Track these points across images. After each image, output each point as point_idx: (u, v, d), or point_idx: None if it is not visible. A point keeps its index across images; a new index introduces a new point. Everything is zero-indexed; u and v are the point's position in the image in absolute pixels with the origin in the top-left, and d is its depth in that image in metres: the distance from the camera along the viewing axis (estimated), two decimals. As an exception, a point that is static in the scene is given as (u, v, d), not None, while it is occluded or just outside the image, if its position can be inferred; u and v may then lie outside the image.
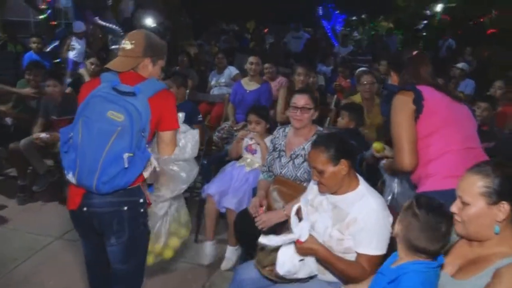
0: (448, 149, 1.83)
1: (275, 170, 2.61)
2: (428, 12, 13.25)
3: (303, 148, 2.52)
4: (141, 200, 1.81)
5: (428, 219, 1.32)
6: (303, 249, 1.68)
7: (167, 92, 1.86)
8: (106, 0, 8.24)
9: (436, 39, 10.97)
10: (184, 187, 1.94)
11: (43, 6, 7.54)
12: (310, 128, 2.59)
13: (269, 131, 3.09)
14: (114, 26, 8.14)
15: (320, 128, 2.61)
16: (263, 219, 2.39)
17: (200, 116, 3.74)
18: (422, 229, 1.32)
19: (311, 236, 1.67)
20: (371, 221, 1.69)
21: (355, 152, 2.03)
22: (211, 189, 2.96)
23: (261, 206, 2.52)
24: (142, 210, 1.83)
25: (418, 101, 1.85)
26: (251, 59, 4.40)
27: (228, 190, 2.94)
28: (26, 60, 5.82)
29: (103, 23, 7.80)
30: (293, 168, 2.52)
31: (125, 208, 1.76)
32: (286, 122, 3.94)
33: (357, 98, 4.18)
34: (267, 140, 2.91)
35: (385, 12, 13.51)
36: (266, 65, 4.84)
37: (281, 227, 2.30)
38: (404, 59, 2.07)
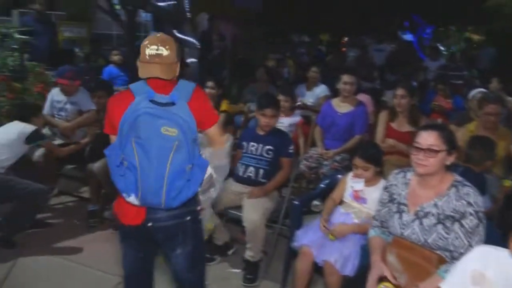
0: None
1: (393, 229, 2.01)
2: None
3: (435, 205, 1.90)
4: (199, 208, 1.88)
5: None
6: None
7: (199, 89, 1.81)
8: (185, 13, 8.15)
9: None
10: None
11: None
12: (442, 177, 1.93)
13: (380, 173, 2.52)
14: (191, 39, 8.02)
15: (459, 178, 1.96)
16: None
17: (292, 147, 3.13)
18: None
19: None
20: None
21: None
22: (307, 238, 2.43)
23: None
24: (200, 217, 1.91)
25: None
26: (346, 78, 3.81)
27: (327, 241, 2.41)
28: (106, 73, 5.81)
29: (181, 36, 7.69)
30: (421, 231, 1.90)
31: (188, 218, 1.82)
32: (386, 153, 3.35)
33: (471, 127, 3.52)
34: (378, 186, 2.35)
35: (476, 23, 12.19)
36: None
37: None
38: None
